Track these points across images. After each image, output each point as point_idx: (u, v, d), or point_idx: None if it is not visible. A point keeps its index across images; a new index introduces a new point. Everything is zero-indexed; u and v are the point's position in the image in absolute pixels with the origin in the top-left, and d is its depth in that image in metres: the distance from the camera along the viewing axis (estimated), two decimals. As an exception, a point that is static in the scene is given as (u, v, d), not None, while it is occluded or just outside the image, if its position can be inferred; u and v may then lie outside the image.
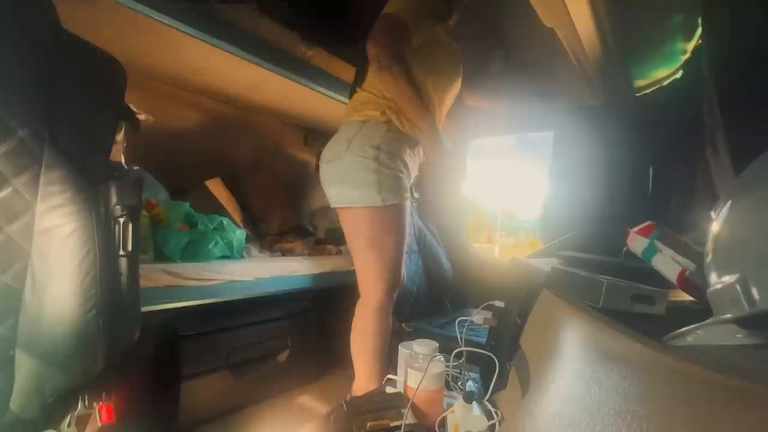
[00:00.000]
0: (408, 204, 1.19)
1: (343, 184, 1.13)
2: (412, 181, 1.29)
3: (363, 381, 1.21)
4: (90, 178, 0.62)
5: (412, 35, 1.07)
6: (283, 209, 2.18)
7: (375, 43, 1.02)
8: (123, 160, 0.99)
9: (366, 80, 1.18)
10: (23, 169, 0.57)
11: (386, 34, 1.03)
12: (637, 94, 1.47)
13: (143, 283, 1.04)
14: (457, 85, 1.29)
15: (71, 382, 0.62)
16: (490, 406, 0.78)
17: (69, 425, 0.65)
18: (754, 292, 0.32)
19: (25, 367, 0.59)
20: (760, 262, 0.33)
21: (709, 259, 0.41)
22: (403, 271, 1.23)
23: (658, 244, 0.68)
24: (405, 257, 1.22)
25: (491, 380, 0.86)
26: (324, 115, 1.99)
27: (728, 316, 0.35)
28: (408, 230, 1.21)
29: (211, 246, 1.43)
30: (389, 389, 1.01)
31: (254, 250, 1.74)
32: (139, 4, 1.04)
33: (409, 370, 0.91)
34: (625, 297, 0.53)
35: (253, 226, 2.01)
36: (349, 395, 1.25)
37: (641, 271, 0.68)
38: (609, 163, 1.55)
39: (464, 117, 1.87)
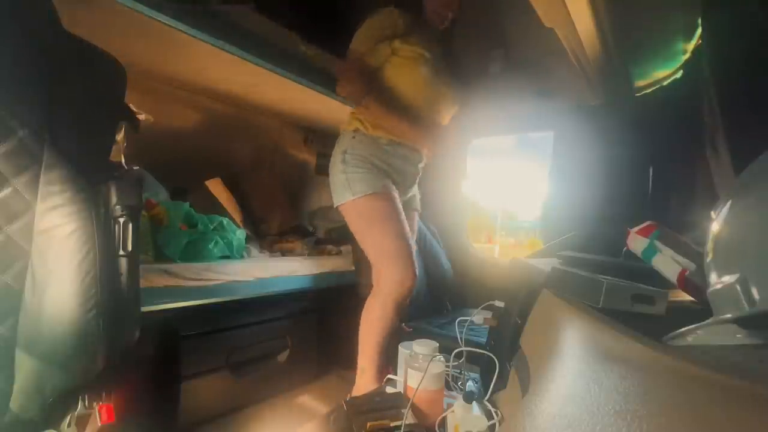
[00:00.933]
0: (389, 193, 1.21)
1: (332, 189, 1.27)
2: (406, 177, 1.32)
3: (360, 371, 1.25)
4: (90, 178, 0.62)
5: (371, 61, 1.22)
6: (283, 209, 2.18)
7: (340, 87, 1.22)
8: (123, 160, 0.99)
9: None
10: (23, 169, 0.57)
11: (349, 75, 1.20)
12: (637, 94, 1.47)
13: (143, 283, 1.04)
14: (439, 87, 1.29)
15: (71, 382, 0.62)
16: (490, 406, 0.78)
17: (69, 425, 0.65)
18: (754, 292, 0.32)
19: (25, 367, 0.59)
20: (760, 262, 0.33)
21: (709, 259, 0.41)
22: (415, 268, 1.21)
23: (658, 244, 0.68)
24: (413, 258, 1.21)
25: (491, 380, 0.86)
26: (324, 115, 1.99)
27: (728, 316, 0.35)
28: (400, 219, 1.22)
29: (211, 246, 1.43)
30: (389, 389, 1.01)
31: (254, 250, 1.74)
32: (139, 4, 1.04)
33: (409, 370, 0.91)
34: (625, 297, 0.53)
35: (253, 226, 2.01)
36: (349, 395, 1.25)
37: (641, 271, 0.67)
38: (609, 163, 1.55)
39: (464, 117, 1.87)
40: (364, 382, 1.23)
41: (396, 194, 1.24)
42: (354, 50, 1.21)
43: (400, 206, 1.24)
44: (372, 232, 1.21)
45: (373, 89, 1.20)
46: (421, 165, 1.36)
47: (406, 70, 1.24)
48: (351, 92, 1.20)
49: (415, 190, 1.41)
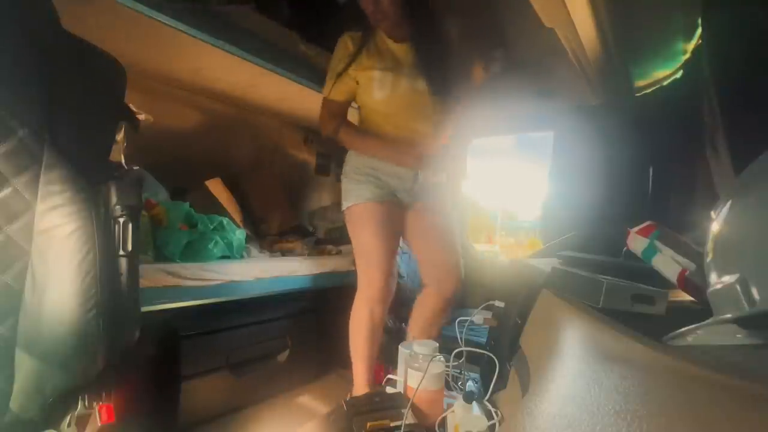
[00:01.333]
0: (373, 203, 1.24)
1: None
2: (403, 180, 1.29)
3: (353, 369, 1.28)
4: (90, 178, 0.62)
5: (342, 98, 1.29)
6: (283, 209, 2.18)
7: (321, 129, 1.33)
8: (123, 160, 0.99)
9: None
10: (23, 169, 0.57)
11: (322, 119, 1.31)
12: (637, 94, 1.47)
13: (143, 283, 1.04)
14: (410, 99, 1.24)
15: (71, 382, 0.62)
16: (490, 406, 0.78)
17: (69, 425, 0.65)
18: (754, 292, 0.32)
19: (25, 367, 0.59)
20: (760, 262, 0.33)
21: (709, 259, 0.41)
22: (386, 270, 1.24)
23: (658, 244, 0.68)
24: (386, 261, 1.23)
25: (491, 380, 0.86)
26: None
27: (728, 316, 0.35)
28: (377, 226, 1.24)
29: (211, 246, 1.43)
30: (389, 389, 1.01)
31: (254, 250, 1.74)
32: (139, 4, 1.04)
33: (409, 370, 0.91)
34: (625, 297, 0.53)
35: (253, 226, 2.01)
36: (349, 395, 1.25)
37: (641, 271, 0.68)
38: (609, 163, 1.55)
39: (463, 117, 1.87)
40: (357, 381, 1.26)
41: (386, 201, 1.26)
42: (324, 97, 1.29)
43: (385, 214, 1.25)
44: (353, 237, 1.30)
45: (342, 125, 1.29)
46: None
47: (365, 99, 1.26)
48: (327, 134, 1.31)
49: (430, 192, 1.33)
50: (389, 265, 1.24)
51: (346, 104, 1.31)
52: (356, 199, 1.26)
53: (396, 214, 1.29)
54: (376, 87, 1.22)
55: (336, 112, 1.30)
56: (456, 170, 2.24)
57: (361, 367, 1.26)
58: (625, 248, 0.77)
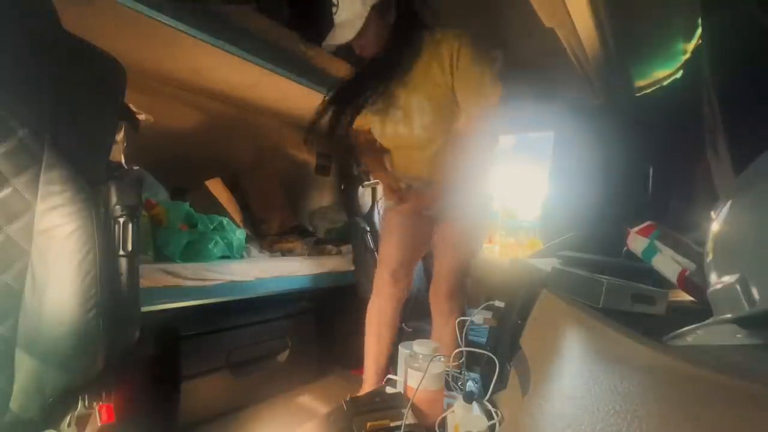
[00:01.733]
0: (398, 208, 1.28)
1: None
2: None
3: (365, 369, 1.33)
4: (90, 178, 0.62)
5: (361, 129, 1.32)
6: (283, 209, 2.18)
7: None
8: (123, 160, 0.99)
9: None
10: (23, 169, 0.57)
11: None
12: (637, 94, 1.47)
13: (143, 283, 1.04)
14: (396, 143, 1.26)
15: (71, 382, 0.62)
16: (490, 406, 0.78)
17: (69, 425, 0.65)
18: (754, 292, 0.32)
19: (25, 367, 0.59)
20: (760, 262, 0.33)
21: (709, 259, 0.41)
22: (394, 271, 1.28)
23: (658, 244, 0.68)
24: (393, 261, 1.28)
25: (491, 380, 0.86)
26: (324, 115, 1.99)
27: (728, 316, 0.35)
28: (398, 231, 1.30)
29: (211, 246, 1.43)
30: (389, 389, 1.01)
31: (254, 250, 1.74)
32: (139, 4, 1.04)
33: (409, 370, 0.91)
34: (625, 297, 0.53)
35: (253, 226, 2.01)
36: (349, 395, 1.25)
37: (641, 271, 0.68)
38: (609, 163, 1.55)
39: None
40: (365, 377, 1.30)
41: (408, 209, 1.28)
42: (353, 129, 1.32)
43: (404, 221, 1.30)
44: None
45: (364, 156, 1.41)
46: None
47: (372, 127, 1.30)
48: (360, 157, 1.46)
49: (447, 210, 1.31)
50: (397, 265, 1.29)
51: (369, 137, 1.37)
52: (386, 204, 1.37)
53: (421, 223, 1.30)
54: (371, 126, 1.28)
55: (360, 142, 1.39)
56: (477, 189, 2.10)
57: (368, 362, 1.29)
58: (625, 248, 0.76)
